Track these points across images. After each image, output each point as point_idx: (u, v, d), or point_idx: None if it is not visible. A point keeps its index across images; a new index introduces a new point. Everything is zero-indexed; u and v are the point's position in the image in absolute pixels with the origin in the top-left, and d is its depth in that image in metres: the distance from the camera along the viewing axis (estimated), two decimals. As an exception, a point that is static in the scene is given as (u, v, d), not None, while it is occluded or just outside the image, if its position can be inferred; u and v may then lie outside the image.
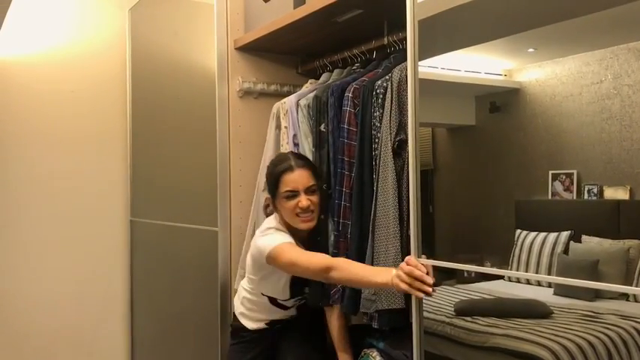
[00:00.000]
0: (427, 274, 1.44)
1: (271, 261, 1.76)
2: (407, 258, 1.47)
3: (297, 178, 1.78)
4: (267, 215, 1.98)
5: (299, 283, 1.87)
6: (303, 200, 1.76)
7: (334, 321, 1.85)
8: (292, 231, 1.86)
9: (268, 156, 2.19)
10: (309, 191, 1.79)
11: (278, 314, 1.96)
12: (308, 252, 1.77)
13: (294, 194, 1.78)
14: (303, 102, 2.06)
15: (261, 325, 1.97)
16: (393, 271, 1.48)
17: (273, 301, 1.92)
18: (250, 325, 1.97)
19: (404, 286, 1.43)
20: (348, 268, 1.60)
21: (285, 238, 1.79)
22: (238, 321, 1.99)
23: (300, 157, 1.88)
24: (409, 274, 1.43)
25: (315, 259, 1.68)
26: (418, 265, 1.44)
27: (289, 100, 2.13)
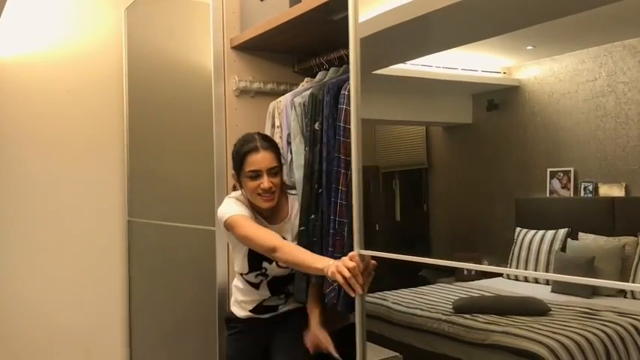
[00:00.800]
0: (364, 272, 1.51)
1: (228, 228, 1.86)
2: (351, 254, 1.53)
3: (261, 159, 1.85)
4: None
5: (256, 259, 1.93)
6: (265, 182, 1.84)
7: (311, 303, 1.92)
8: (254, 207, 1.93)
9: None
10: (271, 173, 1.86)
11: (255, 295, 2.00)
12: (262, 228, 1.84)
13: (257, 174, 1.85)
14: (298, 100, 2.05)
15: (247, 312, 2.02)
16: (331, 261, 1.55)
17: (247, 280, 1.99)
18: (238, 312, 2.04)
19: (339, 278, 1.48)
20: (291, 252, 1.70)
21: (242, 211, 1.87)
22: (231, 311, 2.07)
23: (265, 138, 1.94)
24: (351, 270, 1.47)
25: (265, 238, 1.77)
26: (359, 263, 1.50)
27: (285, 99, 2.12)
